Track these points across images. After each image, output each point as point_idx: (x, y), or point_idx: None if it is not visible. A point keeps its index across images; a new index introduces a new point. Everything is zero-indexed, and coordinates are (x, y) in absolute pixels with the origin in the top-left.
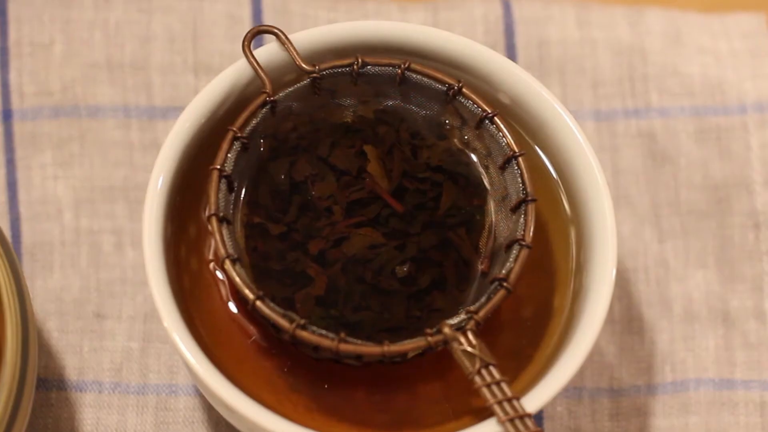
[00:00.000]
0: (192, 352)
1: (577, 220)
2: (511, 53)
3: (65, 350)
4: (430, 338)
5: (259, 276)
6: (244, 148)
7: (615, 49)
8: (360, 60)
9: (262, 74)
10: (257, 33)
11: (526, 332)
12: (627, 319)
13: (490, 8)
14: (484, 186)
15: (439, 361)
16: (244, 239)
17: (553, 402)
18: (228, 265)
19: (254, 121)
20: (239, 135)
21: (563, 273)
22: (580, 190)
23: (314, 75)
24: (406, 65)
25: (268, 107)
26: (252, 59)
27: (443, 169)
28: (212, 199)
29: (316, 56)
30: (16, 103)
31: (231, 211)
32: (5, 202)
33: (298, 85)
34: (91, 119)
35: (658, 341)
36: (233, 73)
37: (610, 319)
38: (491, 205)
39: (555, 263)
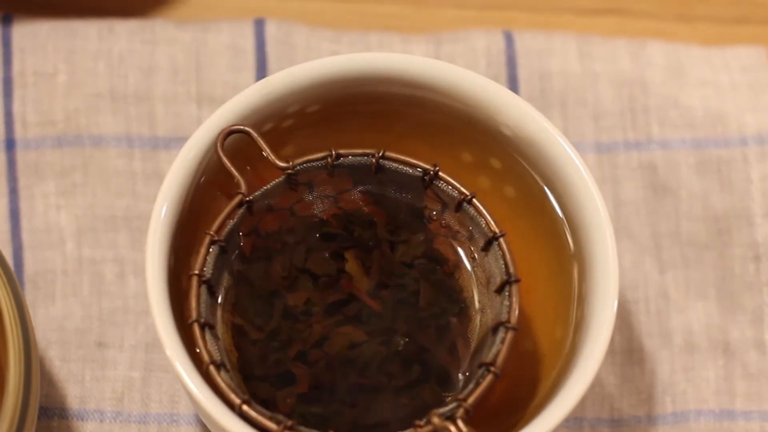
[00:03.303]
0: (194, 381)
1: (579, 251)
2: (513, 85)
3: (67, 379)
4: (419, 429)
5: (244, 373)
6: (223, 250)
7: (616, 81)
8: (334, 152)
9: (237, 175)
10: (229, 134)
11: (528, 363)
12: (628, 349)
13: (492, 40)
14: (467, 276)
15: None
16: (230, 337)
17: None
18: (213, 371)
19: (231, 223)
20: (216, 239)
21: (565, 304)
22: (582, 221)
23: (289, 171)
24: (380, 154)
25: (244, 207)
26: (225, 161)
27: (422, 265)
28: (193, 305)
29: (319, 88)
30: (19, 132)
31: (213, 314)
32: (8, 231)
33: (274, 182)
34: (94, 149)
35: (659, 372)
36: (237, 105)
37: (610, 350)
38: (475, 295)
39: (557, 294)
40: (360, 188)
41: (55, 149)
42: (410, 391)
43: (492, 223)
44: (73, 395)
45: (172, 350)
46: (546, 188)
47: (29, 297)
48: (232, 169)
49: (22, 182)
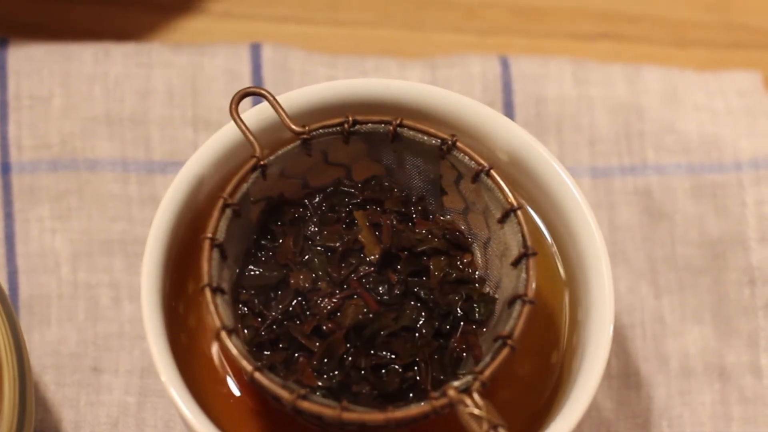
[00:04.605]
0: (189, 406)
1: (573, 277)
2: (508, 111)
3: (62, 404)
4: (434, 402)
5: (257, 344)
6: (236, 214)
7: (612, 106)
8: (351, 119)
9: (251, 138)
10: (245, 95)
11: (523, 388)
12: (624, 374)
13: (488, 66)
14: (481, 248)
15: (446, 423)
16: (241, 307)
17: None
18: (224, 336)
19: (245, 186)
20: (230, 202)
21: (559, 329)
22: (578, 247)
23: (304, 136)
24: (398, 122)
25: (258, 171)
26: (240, 122)
27: (435, 236)
28: (205, 269)
29: (312, 114)
30: (14, 156)
31: (225, 279)
32: (3, 255)
33: (289, 147)
34: (89, 173)
35: (655, 396)
36: (234, 128)
37: (607, 375)
38: (490, 267)
39: (550, 320)
40: (375, 157)
41: (50, 173)
42: (425, 362)
43: (510, 195)
44: (68, 420)
45: (168, 376)
46: (534, 212)
47: (24, 322)
48: (247, 132)
49: (17, 206)
